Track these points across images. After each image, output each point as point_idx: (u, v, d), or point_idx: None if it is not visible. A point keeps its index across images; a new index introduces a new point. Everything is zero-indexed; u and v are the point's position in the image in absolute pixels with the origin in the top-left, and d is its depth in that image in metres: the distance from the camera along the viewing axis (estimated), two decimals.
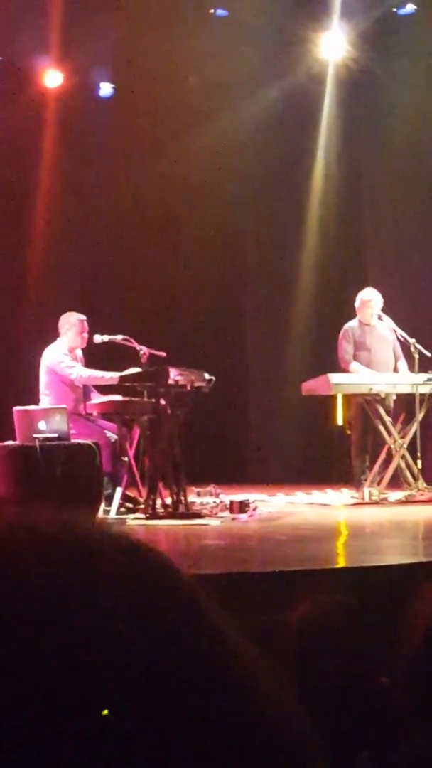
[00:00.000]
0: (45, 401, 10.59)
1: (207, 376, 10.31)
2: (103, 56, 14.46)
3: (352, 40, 14.48)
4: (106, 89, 14.85)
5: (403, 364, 11.90)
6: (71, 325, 10.79)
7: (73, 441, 9.68)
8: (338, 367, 11.91)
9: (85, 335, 10.79)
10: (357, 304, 12.08)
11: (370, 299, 12.01)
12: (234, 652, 0.91)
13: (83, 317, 10.85)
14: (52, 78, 14.57)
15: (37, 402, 10.61)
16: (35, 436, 9.45)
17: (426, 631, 1.73)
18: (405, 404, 11.86)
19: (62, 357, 10.66)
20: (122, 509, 9.95)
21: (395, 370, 11.93)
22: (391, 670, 2.31)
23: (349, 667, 2.62)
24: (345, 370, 11.85)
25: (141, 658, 0.83)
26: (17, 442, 9.53)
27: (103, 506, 9.73)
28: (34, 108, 14.53)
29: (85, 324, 10.81)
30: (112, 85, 14.83)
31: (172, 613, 0.88)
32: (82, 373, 10.64)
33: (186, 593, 0.91)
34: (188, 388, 10.15)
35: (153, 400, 10.17)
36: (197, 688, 0.85)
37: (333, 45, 14.59)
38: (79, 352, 10.88)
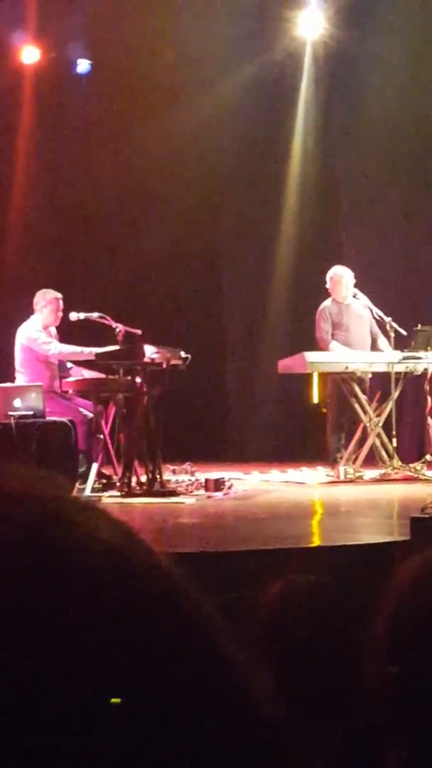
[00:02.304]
0: (20, 379, 10.56)
1: (183, 353, 10.30)
2: (80, 32, 14.38)
3: (329, 18, 14.44)
4: (83, 65, 14.77)
5: (383, 341, 11.88)
6: (47, 302, 10.74)
7: (48, 419, 9.67)
8: (315, 346, 11.91)
9: (60, 314, 10.74)
10: (328, 284, 12.05)
11: (342, 276, 11.99)
12: (213, 629, 0.91)
13: (59, 295, 10.79)
14: (29, 54, 14.48)
15: (12, 380, 10.58)
16: (10, 413, 9.44)
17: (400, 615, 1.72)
18: (381, 382, 11.88)
19: (38, 334, 10.62)
20: (97, 487, 9.94)
21: (376, 347, 11.92)
22: (365, 651, 2.31)
23: (322, 647, 2.62)
24: (324, 350, 11.83)
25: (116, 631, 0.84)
26: None
27: (78, 484, 9.72)
28: (11, 84, 14.45)
29: (61, 303, 10.76)
30: (90, 62, 14.75)
31: (145, 581, 0.89)
32: (60, 348, 10.61)
33: (156, 563, 0.91)
34: (164, 365, 10.13)
35: (128, 377, 10.15)
36: (173, 665, 0.85)
37: (311, 23, 14.56)
38: (53, 330, 10.84)
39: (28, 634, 0.81)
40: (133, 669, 0.83)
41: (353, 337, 11.90)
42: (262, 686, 0.92)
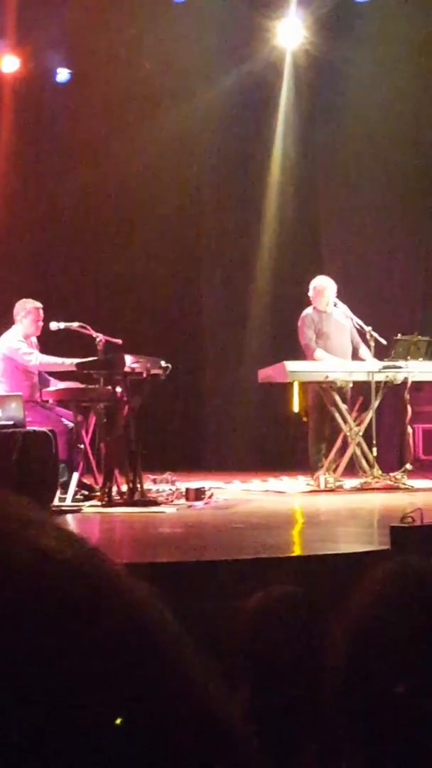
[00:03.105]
0: (0, 389, 10.54)
1: (163, 363, 10.30)
2: (60, 41, 14.39)
3: (309, 27, 14.48)
4: (63, 74, 14.78)
5: (365, 350, 11.89)
6: (27, 312, 10.72)
7: (28, 428, 9.65)
8: (299, 354, 11.91)
9: (41, 323, 10.72)
10: (311, 293, 12.07)
11: (324, 287, 12.01)
12: (177, 647, 0.89)
13: (39, 305, 10.78)
14: (9, 63, 14.49)
15: None
16: None
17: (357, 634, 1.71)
18: (361, 391, 11.90)
19: (19, 344, 10.61)
20: (78, 496, 9.92)
21: (358, 356, 11.93)
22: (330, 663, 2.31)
23: (302, 658, 2.62)
24: (309, 357, 11.84)
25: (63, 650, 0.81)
26: None
27: (59, 494, 9.71)
28: None
29: (41, 312, 10.74)
30: (69, 71, 14.76)
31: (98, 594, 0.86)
32: (41, 359, 10.60)
33: (116, 581, 0.89)
34: (144, 375, 10.13)
35: (109, 387, 10.14)
36: (125, 679, 0.83)
37: (290, 32, 14.60)
38: (34, 339, 10.82)
39: None
40: (89, 690, 0.80)
41: (333, 345, 11.91)
42: (231, 707, 0.90)
